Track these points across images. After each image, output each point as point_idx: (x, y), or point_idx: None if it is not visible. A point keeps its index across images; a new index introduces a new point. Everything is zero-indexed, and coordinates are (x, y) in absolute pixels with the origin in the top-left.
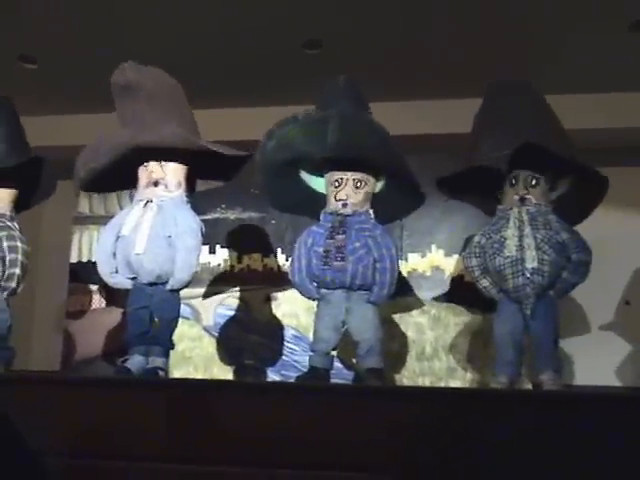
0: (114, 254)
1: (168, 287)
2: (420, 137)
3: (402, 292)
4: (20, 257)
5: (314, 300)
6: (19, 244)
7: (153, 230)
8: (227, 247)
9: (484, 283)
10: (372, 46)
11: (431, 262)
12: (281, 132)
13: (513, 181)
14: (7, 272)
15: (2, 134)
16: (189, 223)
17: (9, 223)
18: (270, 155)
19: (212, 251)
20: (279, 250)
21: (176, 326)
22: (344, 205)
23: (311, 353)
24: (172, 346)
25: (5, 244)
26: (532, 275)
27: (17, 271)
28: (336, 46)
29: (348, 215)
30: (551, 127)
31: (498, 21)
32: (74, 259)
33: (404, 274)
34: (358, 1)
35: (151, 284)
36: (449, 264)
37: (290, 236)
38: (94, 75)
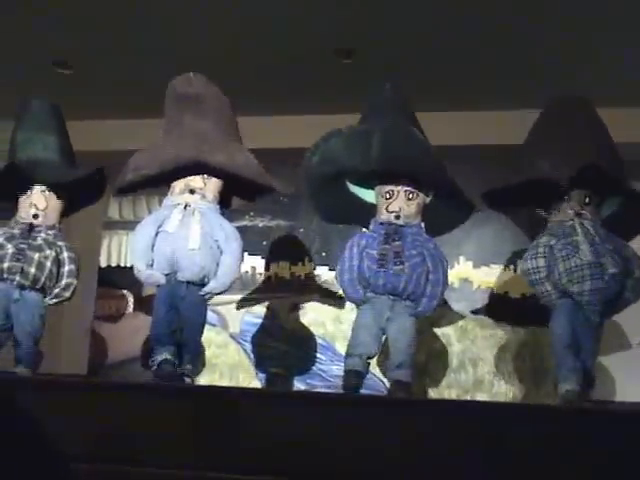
0: (152, 248)
1: (207, 289)
2: (452, 148)
3: None
4: (76, 268)
5: (358, 303)
6: (75, 255)
7: (203, 230)
8: (255, 255)
9: (548, 287)
10: (406, 56)
11: (459, 274)
12: (325, 146)
13: (565, 197)
14: (64, 281)
15: (56, 144)
16: (232, 232)
17: (62, 234)
18: (315, 169)
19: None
20: (307, 258)
21: (203, 331)
22: (397, 217)
23: (347, 356)
24: (202, 350)
25: (65, 254)
26: (611, 280)
27: (74, 282)
28: (370, 55)
29: (401, 225)
30: (607, 148)
31: (541, 34)
32: (103, 264)
33: None
34: (392, 11)
35: (190, 283)
36: (477, 276)
37: (318, 244)
38: (128, 81)
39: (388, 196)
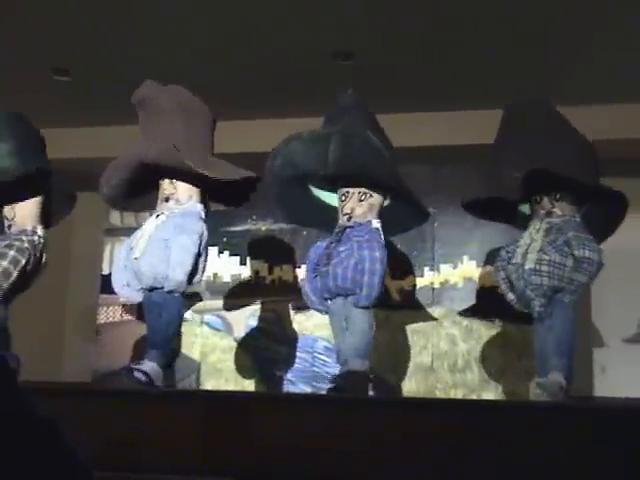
0: (125, 267)
1: (166, 289)
2: (451, 148)
3: (434, 303)
4: (4, 263)
5: (321, 312)
6: (11, 252)
7: (153, 236)
8: (258, 258)
9: (510, 296)
10: (402, 58)
11: (463, 273)
12: (286, 150)
13: (538, 199)
14: None
15: (7, 153)
16: (188, 226)
17: (24, 237)
18: (277, 172)
19: (243, 263)
20: None
21: (176, 328)
22: (349, 219)
23: (338, 365)
24: (172, 350)
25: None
26: (529, 277)
27: None
28: (367, 58)
29: (349, 227)
30: (571, 148)
31: (518, 36)
32: (105, 271)
33: (436, 285)
34: (388, 14)
35: (154, 289)
36: (481, 275)
37: None
38: (126, 88)
39: (344, 198)
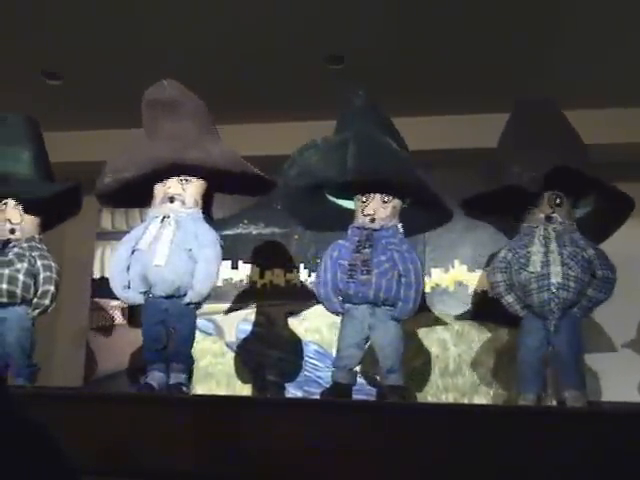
0: (127, 268)
1: (187, 300)
2: (442, 152)
3: (425, 307)
4: (54, 275)
5: (338, 315)
6: (52, 263)
7: (174, 243)
8: (250, 263)
9: (509, 299)
10: (394, 61)
11: (454, 277)
12: (301, 159)
13: (536, 202)
14: (41, 289)
15: (30, 159)
16: (209, 237)
17: (39, 245)
18: (293, 182)
19: (234, 267)
20: (302, 266)
21: (194, 340)
22: (372, 220)
23: (334, 369)
24: (192, 361)
25: (39, 262)
26: (557, 290)
27: (52, 289)
28: (358, 61)
29: (376, 230)
30: (577, 147)
31: (516, 40)
32: (96, 275)
33: (427, 289)
34: (380, 16)
35: (168, 297)
36: (472, 279)
37: (313, 251)
38: (118, 91)
39: (364, 199)
